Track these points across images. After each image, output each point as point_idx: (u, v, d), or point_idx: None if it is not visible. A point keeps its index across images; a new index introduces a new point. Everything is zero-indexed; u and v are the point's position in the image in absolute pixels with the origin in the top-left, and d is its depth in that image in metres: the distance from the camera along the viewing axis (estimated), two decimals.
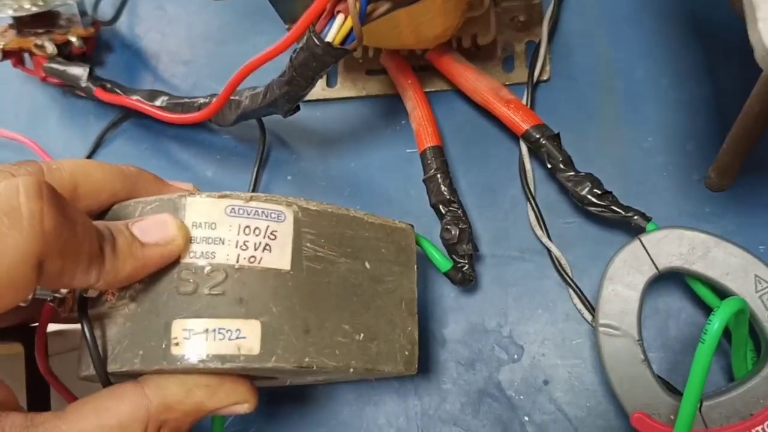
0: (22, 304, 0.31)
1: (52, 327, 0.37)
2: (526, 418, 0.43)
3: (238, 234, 0.32)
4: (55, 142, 0.56)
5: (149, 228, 0.30)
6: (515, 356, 0.44)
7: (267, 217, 0.32)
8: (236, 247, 0.31)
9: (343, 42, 0.39)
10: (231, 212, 0.32)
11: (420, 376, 0.45)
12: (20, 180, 0.26)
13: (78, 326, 0.42)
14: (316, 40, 0.39)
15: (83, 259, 0.28)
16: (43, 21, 0.54)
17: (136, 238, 0.30)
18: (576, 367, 0.44)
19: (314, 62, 0.39)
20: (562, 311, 0.45)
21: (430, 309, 0.46)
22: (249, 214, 0.32)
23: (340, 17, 0.39)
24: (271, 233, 0.32)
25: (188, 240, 0.31)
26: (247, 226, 0.32)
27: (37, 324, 0.37)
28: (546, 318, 0.45)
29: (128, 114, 0.55)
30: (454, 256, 0.43)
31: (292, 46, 0.40)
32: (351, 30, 0.39)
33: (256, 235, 0.32)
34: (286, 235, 0.33)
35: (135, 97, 0.51)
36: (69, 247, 0.27)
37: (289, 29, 0.50)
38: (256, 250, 0.32)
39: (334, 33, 0.39)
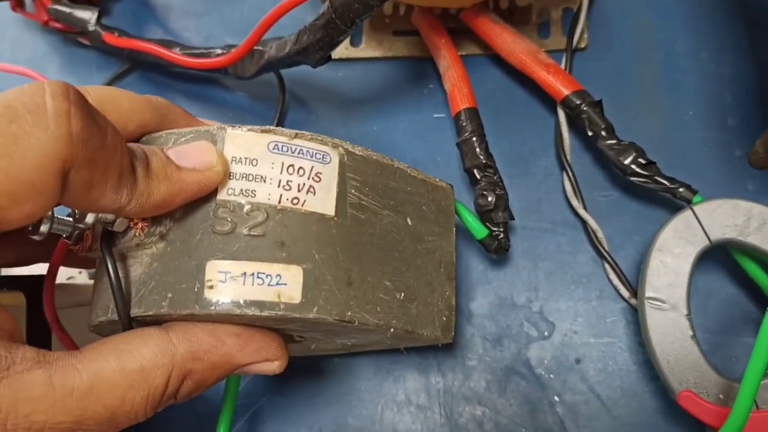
0: (36, 238, 0.28)
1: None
2: (556, 398, 0.41)
3: (281, 173, 0.29)
4: None
5: (186, 153, 0.27)
6: (545, 333, 0.42)
7: (312, 157, 0.30)
8: (279, 186, 0.29)
9: None
10: (274, 149, 0.29)
11: (443, 352, 0.42)
12: (45, 82, 0.23)
13: (85, 282, 0.39)
14: None
15: (113, 174, 0.24)
16: None
17: (172, 161, 0.27)
18: (610, 346, 0.41)
19: (357, 3, 0.36)
20: (597, 287, 0.42)
21: (457, 281, 0.43)
22: (293, 152, 0.29)
23: None
24: (316, 175, 0.29)
25: (227, 171, 0.28)
26: (291, 165, 0.29)
27: (41, 273, 0.34)
28: (579, 294, 0.42)
29: (134, 66, 0.51)
30: (488, 224, 0.41)
31: None
32: None
33: (300, 176, 0.29)
34: (330, 178, 0.30)
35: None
36: (98, 157, 0.24)
37: None
38: (299, 191, 0.29)
39: None
